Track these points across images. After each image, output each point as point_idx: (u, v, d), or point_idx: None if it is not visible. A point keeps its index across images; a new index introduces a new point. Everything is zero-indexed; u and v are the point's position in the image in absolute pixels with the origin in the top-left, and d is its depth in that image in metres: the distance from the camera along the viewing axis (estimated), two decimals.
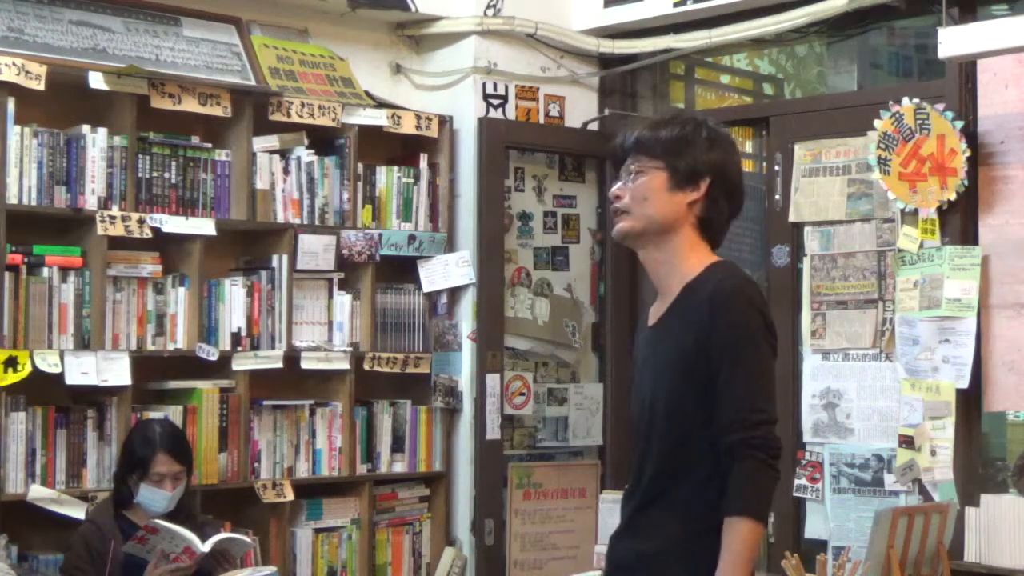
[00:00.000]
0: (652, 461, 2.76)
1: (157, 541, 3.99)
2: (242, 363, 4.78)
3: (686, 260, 2.79)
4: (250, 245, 5.02)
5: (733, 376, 2.67)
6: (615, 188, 2.86)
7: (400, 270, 5.30)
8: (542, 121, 5.57)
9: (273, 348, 4.87)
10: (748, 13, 5.22)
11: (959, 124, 4.61)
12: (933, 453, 4.58)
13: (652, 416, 2.77)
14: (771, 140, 5.20)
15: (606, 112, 5.72)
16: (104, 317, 4.50)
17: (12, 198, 4.35)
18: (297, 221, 4.97)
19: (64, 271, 4.44)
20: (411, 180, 5.30)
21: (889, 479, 4.75)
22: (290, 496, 4.86)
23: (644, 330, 2.93)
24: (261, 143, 4.91)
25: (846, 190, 4.94)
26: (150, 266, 4.63)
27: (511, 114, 5.48)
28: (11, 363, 4.28)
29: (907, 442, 4.64)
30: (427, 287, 5.32)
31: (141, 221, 4.57)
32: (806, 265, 5.03)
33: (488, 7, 5.42)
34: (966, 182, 4.61)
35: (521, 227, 5.55)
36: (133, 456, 4.22)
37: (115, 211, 4.52)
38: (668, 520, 2.73)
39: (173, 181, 4.70)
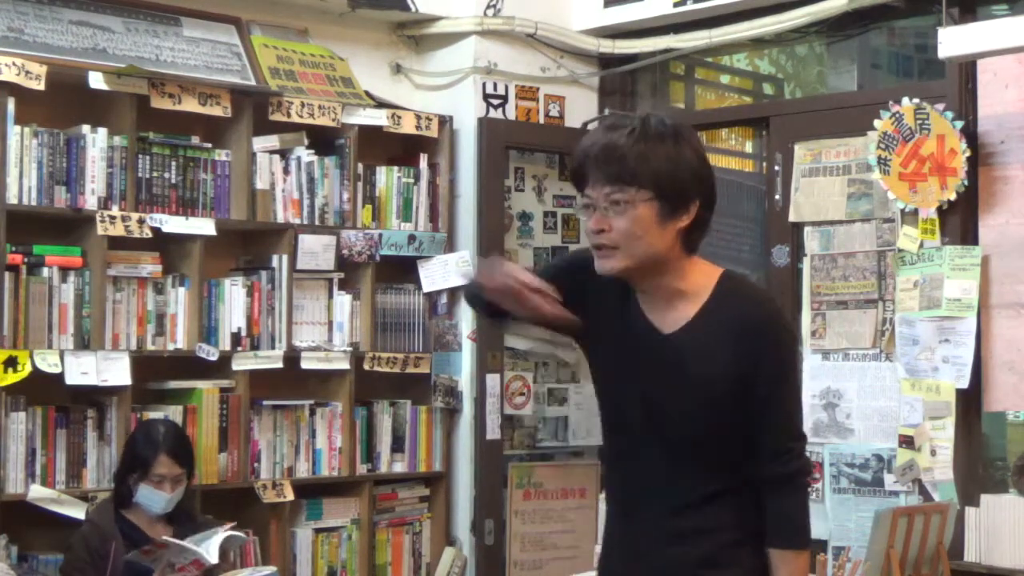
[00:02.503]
0: (686, 470, 2.65)
1: (165, 554, 3.98)
2: (242, 363, 4.78)
3: (688, 277, 2.65)
4: (250, 245, 5.01)
5: (777, 403, 2.62)
6: (594, 220, 2.58)
7: (400, 270, 5.30)
8: (542, 121, 5.57)
9: (273, 348, 4.87)
10: (748, 13, 5.21)
11: (959, 124, 4.61)
12: (933, 453, 4.58)
13: (678, 426, 2.64)
14: (771, 140, 5.20)
15: (606, 112, 5.70)
16: (104, 317, 4.49)
17: (12, 198, 4.35)
18: (297, 221, 4.97)
19: (64, 271, 4.44)
20: (411, 180, 5.30)
21: (889, 479, 4.75)
22: (290, 496, 4.86)
23: (627, 321, 2.72)
24: (261, 143, 4.91)
25: (846, 190, 4.94)
26: (150, 266, 4.63)
27: (511, 114, 5.48)
28: (11, 363, 4.28)
29: (907, 442, 4.64)
30: (427, 287, 5.31)
31: (141, 221, 4.57)
32: (806, 265, 5.03)
33: (488, 7, 5.42)
34: (966, 182, 4.61)
35: (521, 227, 5.55)
36: (135, 455, 4.22)
37: (115, 211, 4.52)
38: (720, 526, 2.64)
39: (173, 181, 4.70)
